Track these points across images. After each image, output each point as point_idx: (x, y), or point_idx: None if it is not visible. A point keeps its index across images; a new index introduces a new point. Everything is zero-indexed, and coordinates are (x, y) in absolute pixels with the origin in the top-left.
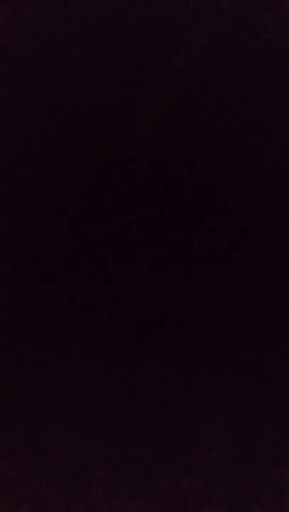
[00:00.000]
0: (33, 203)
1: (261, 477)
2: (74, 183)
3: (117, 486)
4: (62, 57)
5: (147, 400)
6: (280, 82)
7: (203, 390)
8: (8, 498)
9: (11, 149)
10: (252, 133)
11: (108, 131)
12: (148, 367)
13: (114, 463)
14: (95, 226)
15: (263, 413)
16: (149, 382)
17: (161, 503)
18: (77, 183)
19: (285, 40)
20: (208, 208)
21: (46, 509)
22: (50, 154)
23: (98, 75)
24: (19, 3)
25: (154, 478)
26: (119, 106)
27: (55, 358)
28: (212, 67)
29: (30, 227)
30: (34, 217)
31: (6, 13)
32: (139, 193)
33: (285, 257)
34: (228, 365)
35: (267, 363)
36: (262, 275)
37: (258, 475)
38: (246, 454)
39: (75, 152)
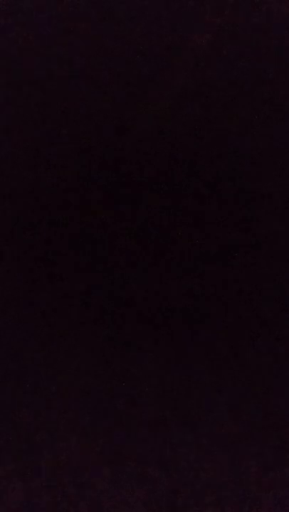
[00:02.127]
0: (32, 201)
1: (262, 477)
2: (74, 183)
3: (116, 487)
4: (62, 57)
5: (147, 400)
6: (280, 82)
7: (204, 390)
8: (9, 498)
9: (11, 149)
10: (252, 133)
11: (108, 131)
12: (148, 366)
13: (113, 463)
14: (94, 224)
15: (264, 413)
16: (149, 381)
17: (161, 504)
18: (76, 183)
19: (285, 40)
20: (208, 207)
21: (46, 509)
22: (50, 154)
23: (98, 75)
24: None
25: (154, 478)
26: (118, 106)
27: (55, 358)
28: (212, 67)
29: (29, 222)
30: (33, 213)
31: (6, 10)
32: (138, 192)
33: (285, 257)
34: (228, 365)
35: (267, 362)
36: (262, 274)
37: (259, 475)
38: (247, 454)
39: (74, 152)
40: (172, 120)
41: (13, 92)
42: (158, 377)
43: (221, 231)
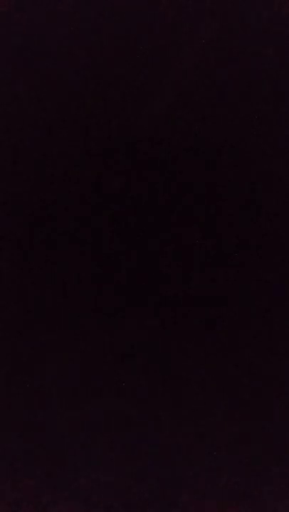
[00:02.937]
0: (32, 201)
1: (261, 477)
2: (74, 183)
3: (116, 486)
4: (61, 57)
5: (148, 399)
6: (280, 81)
7: (203, 390)
8: (8, 497)
9: (10, 148)
10: (252, 133)
11: (107, 131)
12: (148, 366)
13: (113, 461)
14: (94, 224)
15: (263, 413)
16: (149, 381)
17: (160, 503)
18: (77, 183)
19: (285, 40)
20: (208, 207)
21: (45, 507)
22: (50, 154)
23: (97, 75)
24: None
25: (153, 478)
26: (118, 106)
27: (55, 358)
28: (212, 67)
29: (29, 222)
30: (33, 212)
31: (7, 9)
32: (138, 192)
33: (286, 257)
34: (228, 365)
35: (267, 362)
36: (262, 274)
37: (259, 475)
38: (247, 454)
39: (74, 152)
40: (172, 120)
41: (13, 92)
42: (158, 377)
43: (222, 231)
